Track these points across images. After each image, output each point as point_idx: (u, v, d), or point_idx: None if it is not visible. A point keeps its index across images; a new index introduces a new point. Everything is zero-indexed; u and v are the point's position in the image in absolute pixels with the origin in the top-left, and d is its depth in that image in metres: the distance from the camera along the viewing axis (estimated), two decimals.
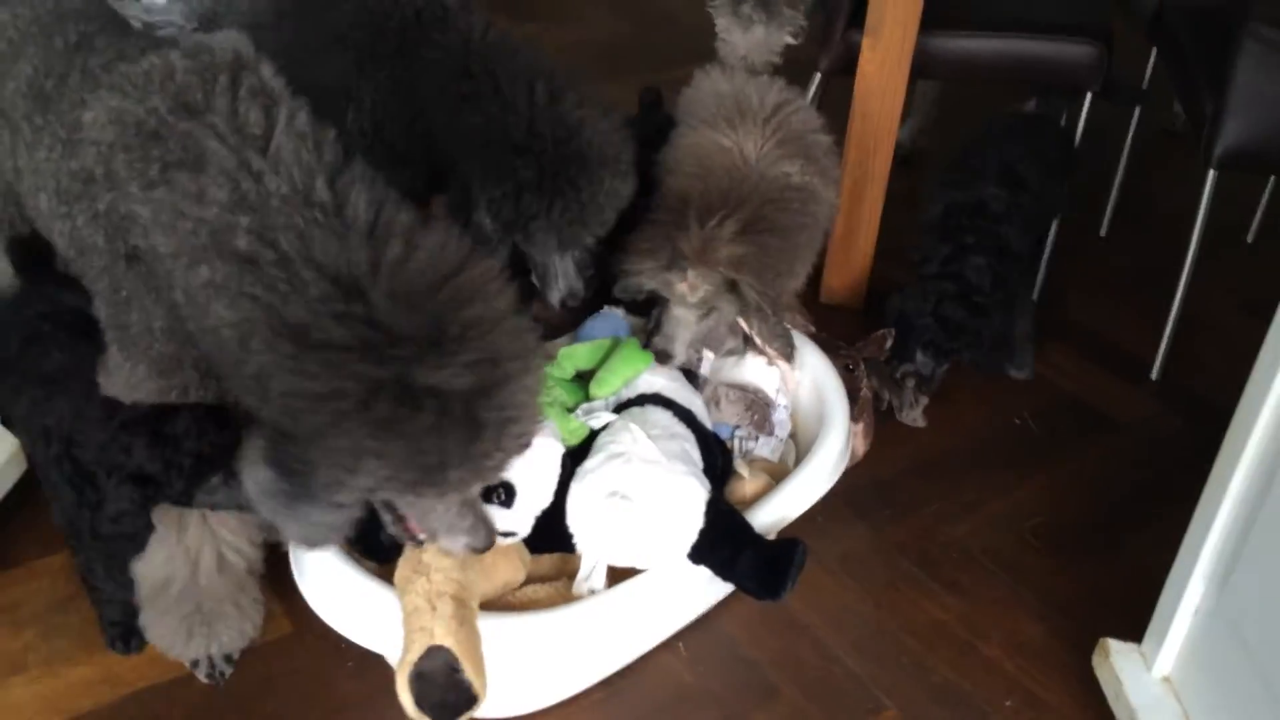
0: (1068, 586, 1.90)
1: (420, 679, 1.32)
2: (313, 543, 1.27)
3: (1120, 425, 2.29)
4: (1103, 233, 2.92)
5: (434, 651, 1.32)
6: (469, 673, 1.32)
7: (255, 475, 1.17)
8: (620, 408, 1.71)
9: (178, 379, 1.42)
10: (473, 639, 1.36)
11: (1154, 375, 2.39)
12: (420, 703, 1.32)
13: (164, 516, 1.49)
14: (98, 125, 1.34)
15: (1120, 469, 2.17)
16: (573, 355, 1.79)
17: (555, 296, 1.86)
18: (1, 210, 1.67)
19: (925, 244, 2.27)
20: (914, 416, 2.21)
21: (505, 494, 1.48)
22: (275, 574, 1.67)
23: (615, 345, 1.80)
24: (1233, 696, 1.46)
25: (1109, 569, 1.93)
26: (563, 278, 1.85)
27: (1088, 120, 2.49)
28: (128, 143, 1.30)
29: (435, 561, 1.39)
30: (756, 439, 1.85)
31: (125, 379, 1.43)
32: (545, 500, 1.51)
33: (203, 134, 1.26)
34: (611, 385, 1.70)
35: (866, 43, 2.18)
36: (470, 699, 1.33)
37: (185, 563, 1.53)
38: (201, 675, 1.61)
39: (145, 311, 1.37)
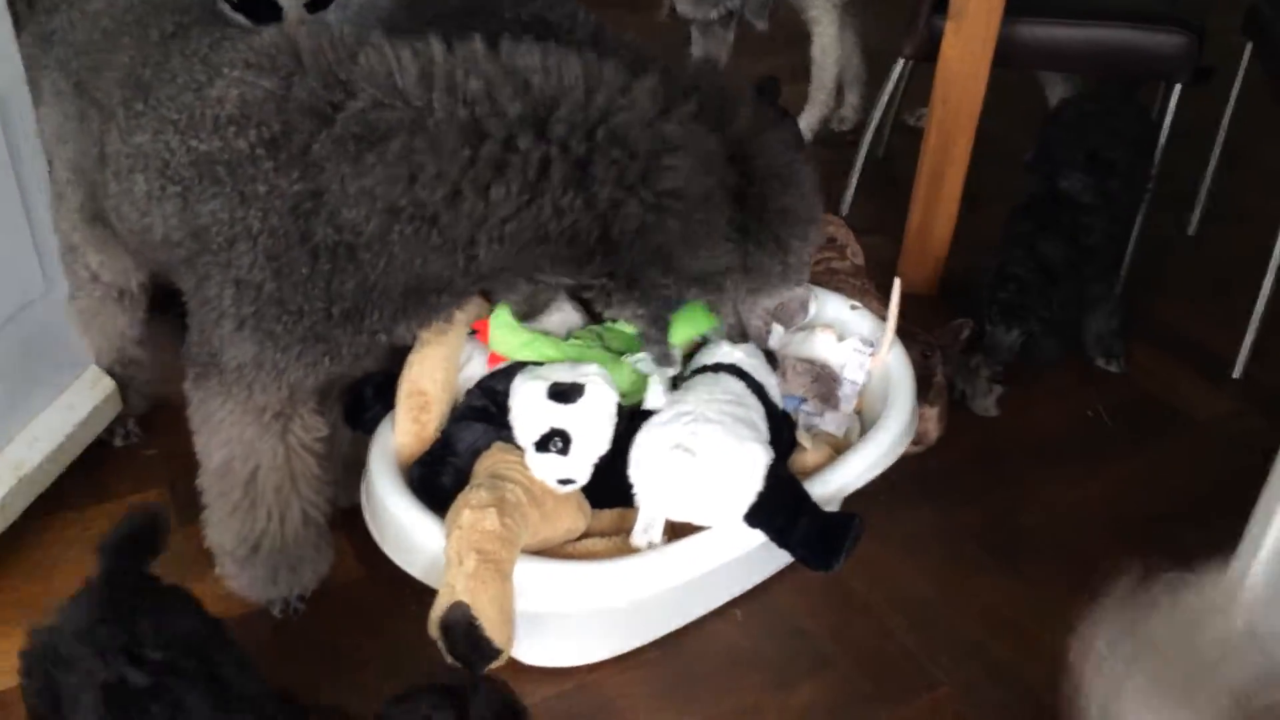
0: (1135, 579, 1.88)
1: (445, 630, 1.36)
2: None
3: (1198, 423, 2.26)
4: (1191, 231, 2.87)
5: (455, 607, 1.37)
6: (489, 629, 1.36)
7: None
8: (696, 373, 1.74)
9: (318, 351, 1.46)
10: (496, 595, 1.39)
11: (1236, 374, 2.35)
12: (450, 651, 1.37)
13: (259, 484, 1.58)
14: (231, 102, 1.37)
15: (1196, 466, 2.13)
16: (620, 337, 1.79)
17: None
18: (75, 193, 1.73)
19: (1006, 228, 2.26)
20: (986, 405, 2.20)
21: (562, 442, 1.52)
22: (348, 521, 1.74)
23: None
24: None
25: (1177, 565, 1.90)
26: None
27: (1175, 116, 2.46)
28: (289, 120, 1.34)
29: (470, 517, 1.43)
30: (822, 414, 1.86)
31: (271, 363, 1.44)
32: (602, 448, 1.54)
33: (375, 108, 1.31)
34: (681, 339, 1.72)
35: (949, 28, 2.18)
36: (492, 652, 1.37)
37: (274, 523, 1.61)
38: (276, 611, 1.69)
39: (307, 286, 1.39)
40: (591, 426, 1.53)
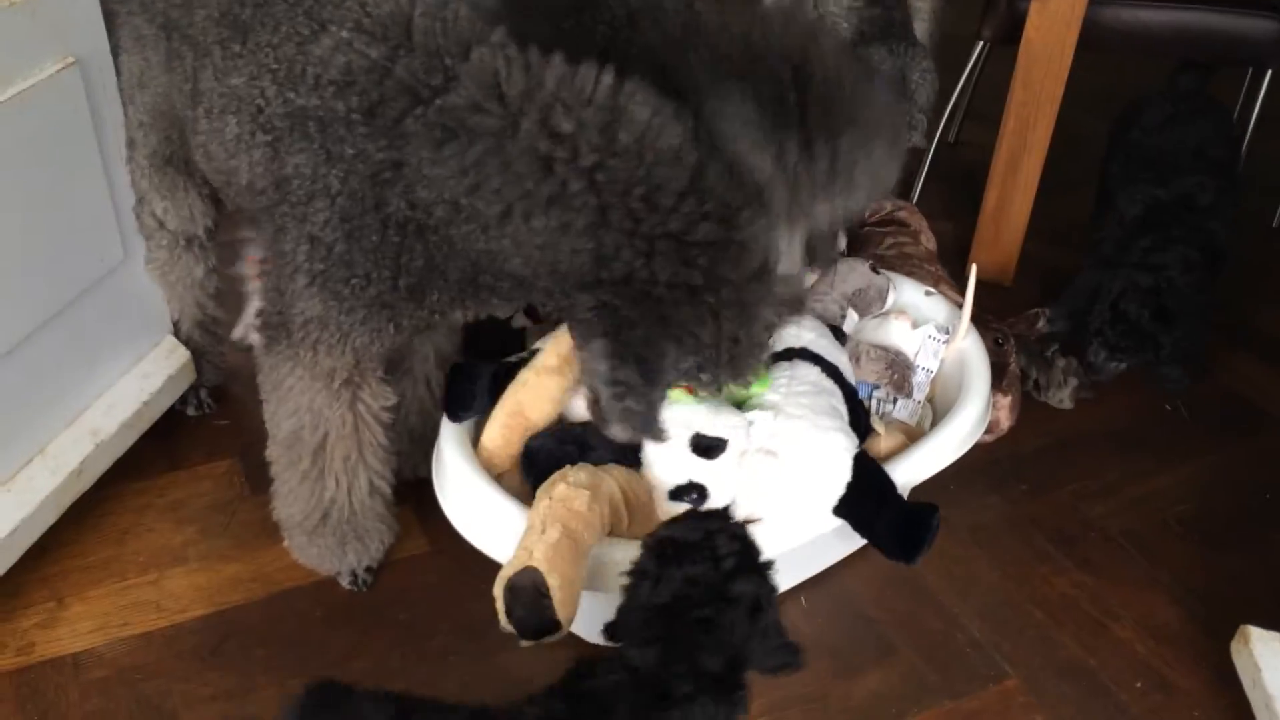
0: (1209, 575, 1.84)
1: (511, 592, 1.36)
2: (648, 428, 1.37)
3: (1277, 421, 2.20)
4: (1276, 223, 2.79)
5: (527, 571, 1.36)
6: (555, 600, 1.35)
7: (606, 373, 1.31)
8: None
9: (383, 318, 1.47)
10: (569, 570, 1.38)
11: None
12: (509, 613, 1.37)
13: (328, 453, 1.59)
14: (336, 67, 1.37)
15: (1274, 465, 2.08)
16: None
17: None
18: (149, 138, 1.75)
19: (1117, 236, 2.19)
20: (1060, 398, 2.16)
21: (698, 495, 1.53)
22: (418, 496, 1.75)
23: None
24: None
25: (1254, 562, 1.86)
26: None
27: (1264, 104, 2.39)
28: (386, 91, 1.34)
29: (563, 491, 1.43)
30: (895, 400, 1.84)
31: (336, 324, 1.46)
32: (732, 494, 1.55)
33: (470, 108, 1.31)
34: (733, 397, 1.65)
35: (1034, 8, 2.13)
36: (553, 624, 1.36)
37: (343, 492, 1.63)
38: (345, 583, 1.70)
39: (376, 255, 1.40)
40: (729, 480, 1.53)
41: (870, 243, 2.19)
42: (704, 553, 1.22)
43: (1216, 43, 2.26)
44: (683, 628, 1.18)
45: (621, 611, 1.26)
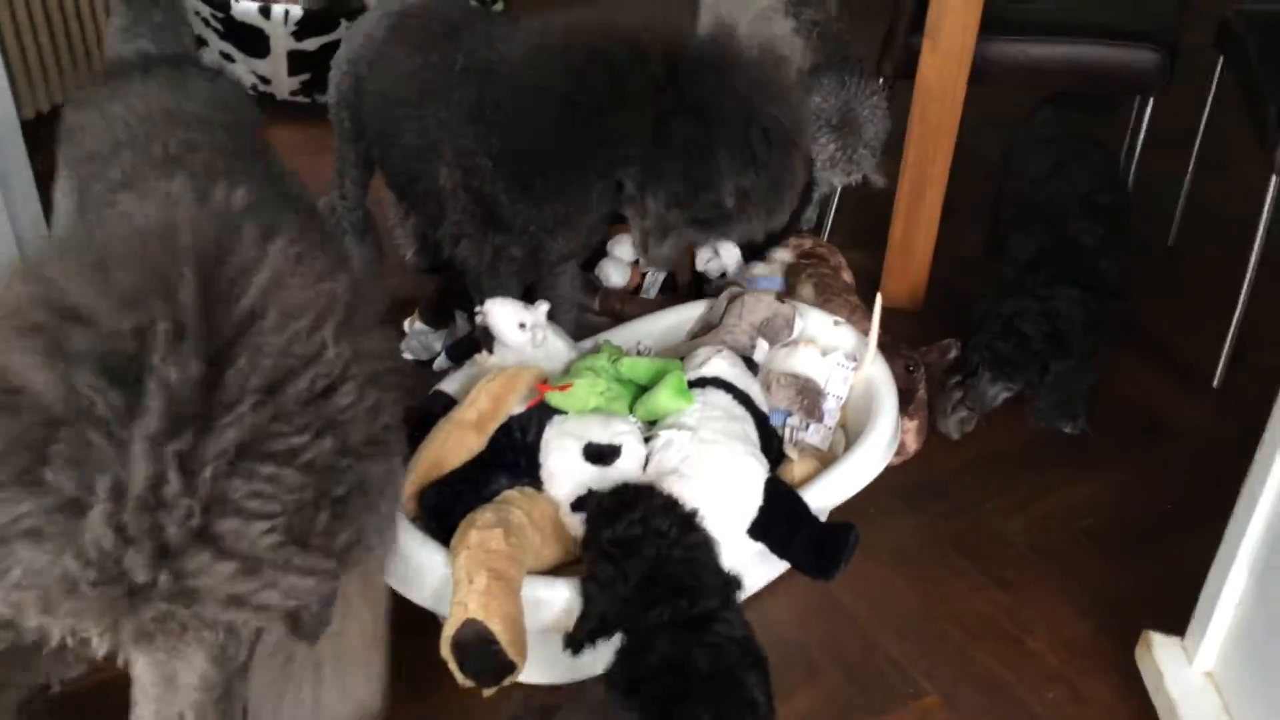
0: (1116, 585, 1.90)
1: (459, 649, 1.38)
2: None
3: (1179, 431, 2.29)
4: (1170, 242, 2.90)
5: (469, 624, 1.38)
6: (504, 643, 1.38)
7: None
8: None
9: None
10: (508, 608, 1.40)
11: (1215, 383, 2.38)
12: (462, 669, 1.39)
13: None
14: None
15: (1177, 474, 2.16)
16: (635, 367, 1.78)
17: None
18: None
19: (1011, 276, 2.24)
20: (947, 426, 2.20)
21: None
22: None
23: (665, 371, 1.77)
24: (1274, 689, 1.46)
25: (1159, 570, 1.93)
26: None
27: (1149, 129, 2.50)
28: None
29: (477, 536, 1.45)
30: (807, 426, 1.89)
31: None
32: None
33: None
34: (647, 414, 1.71)
35: (926, 45, 2.22)
36: (508, 666, 1.39)
37: None
38: None
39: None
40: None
41: (793, 275, 2.25)
42: (649, 534, 1.42)
43: (1101, 74, 2.37)
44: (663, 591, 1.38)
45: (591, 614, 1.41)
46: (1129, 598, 1.87)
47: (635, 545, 1.42)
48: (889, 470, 1.92)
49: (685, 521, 1.46)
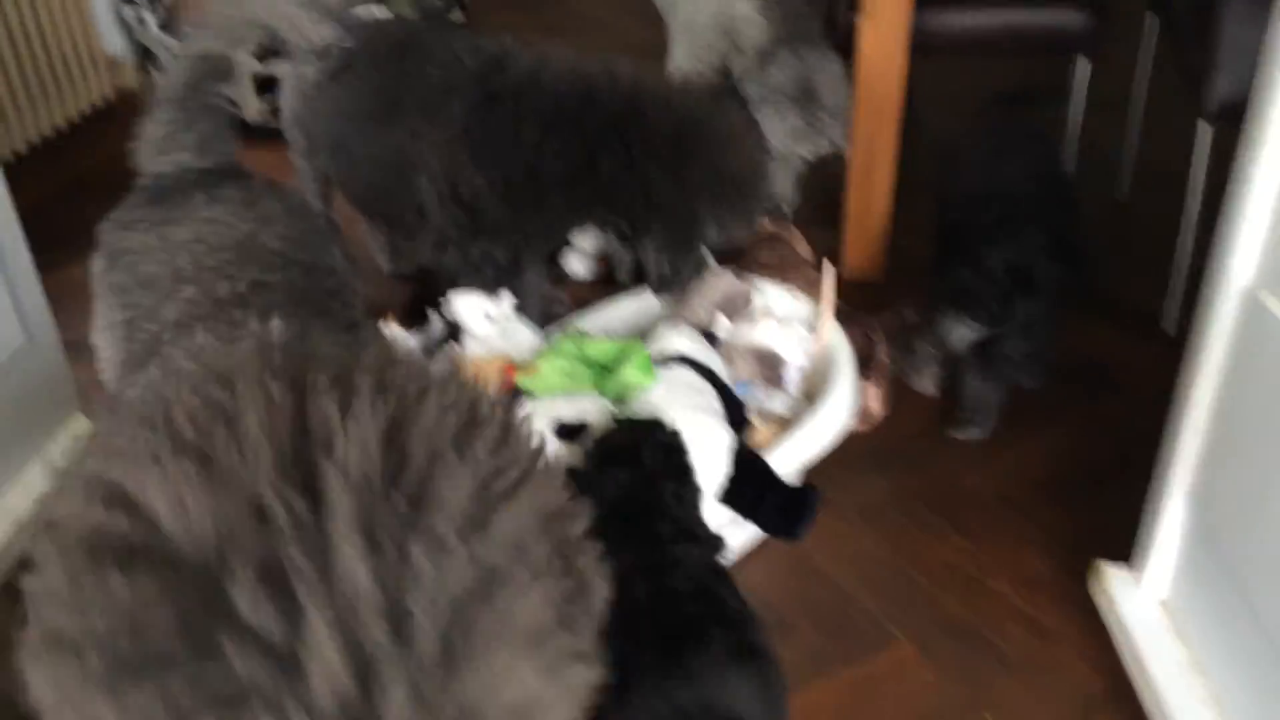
0: (1076, 526, 1.99)
1: None
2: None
3: (1134, 376, 2.36)
4: (1120, 197, 2.98)
5: None
6: None
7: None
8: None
9: None
10: None
11: (1166, 328, 2.46)
12: None
13: None
14: None
15: (1132, 418, 2.24)
16: (599, 348, 1.85)
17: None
18: None
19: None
20: (924, 383, 2.28)
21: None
22: None
23: (629, 351, 1.86)
24: (1220, 613, 1.54)
25: (1117, 509, 2.01)
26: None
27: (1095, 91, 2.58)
28: None
29: None
30: (769, 396, 1.97)
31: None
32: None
33: None
34: (615, 393, 1.78)
35: (863, 21, 2.30)
36: None
37: None
38: None
39: None
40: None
41: (753, 253, 2.33)
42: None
43: (1033, 35, 2.45)
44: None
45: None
46: (1088, 536, 1.95)
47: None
48: (857, 435, 2.00)
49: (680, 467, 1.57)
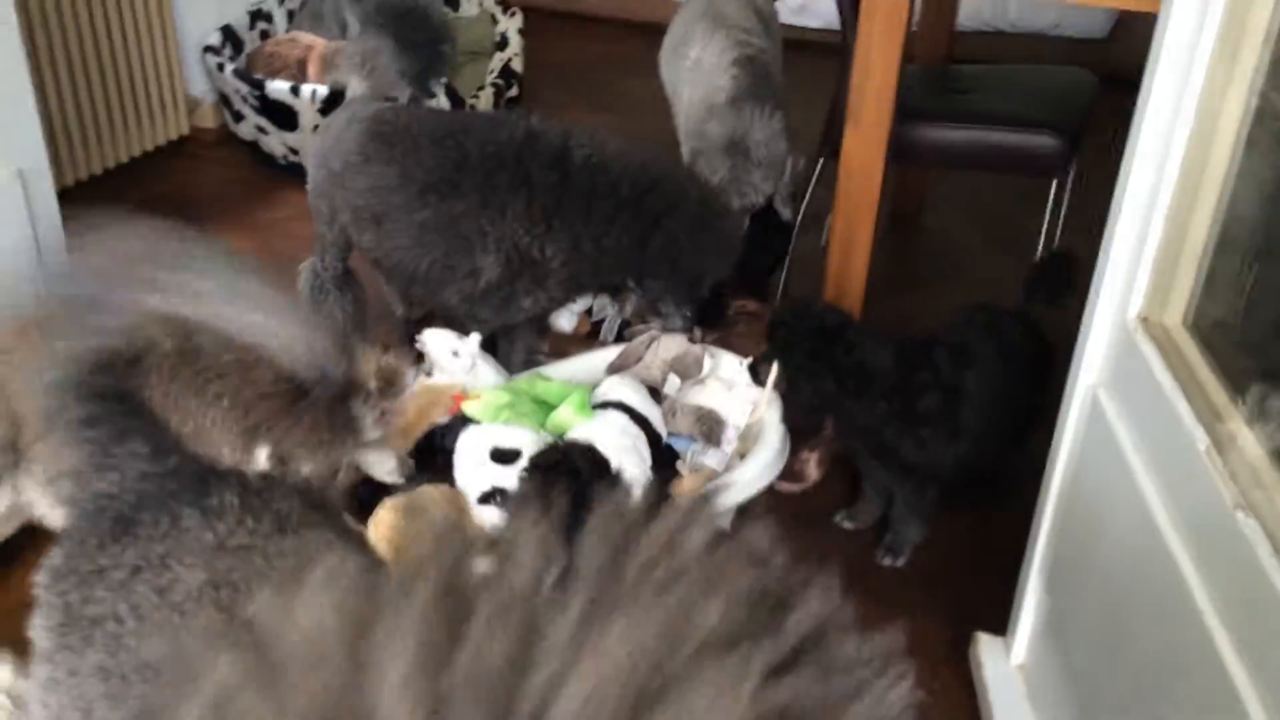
0: (979, 599, 2.13)
1: None
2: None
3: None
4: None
5: None
6: None
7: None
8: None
9: None
10: None
11: None
12: None
13: None
14: None
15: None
16: (547, 389, 2.12)
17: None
18: None
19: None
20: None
21: (502, 498, 1.85)
22: None
23: (572, 392, 2.09)
24: (1061, 675, 1.69)
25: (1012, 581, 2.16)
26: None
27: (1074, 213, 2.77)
28: None
29: (383, 515, 1.76)
30: (706, 451, 2.17)
31: None
32: None
33: None
34: (553, 427, 2.02)
35: (848, 129, 2.52)
36: None
37: None
38: None
39: None
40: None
41: (733, 327, 2.58)
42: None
43: (1008, 157, 2.65)
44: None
45: None
46: (986, 609, 2.09)
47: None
48: (790, 496, 2.17)
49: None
